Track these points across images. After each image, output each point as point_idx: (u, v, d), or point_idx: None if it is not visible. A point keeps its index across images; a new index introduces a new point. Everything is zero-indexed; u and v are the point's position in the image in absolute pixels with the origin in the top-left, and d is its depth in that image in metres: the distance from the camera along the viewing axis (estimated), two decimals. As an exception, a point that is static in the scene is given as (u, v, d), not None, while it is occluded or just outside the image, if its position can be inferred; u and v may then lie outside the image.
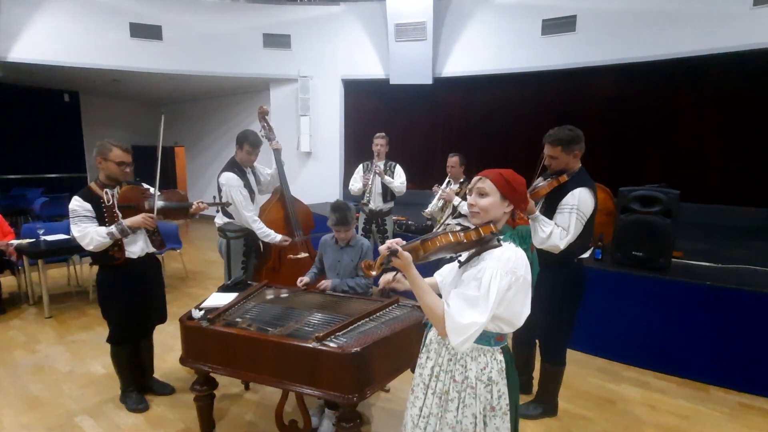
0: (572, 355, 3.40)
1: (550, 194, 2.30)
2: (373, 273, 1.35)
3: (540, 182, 2.39)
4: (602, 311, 3.35)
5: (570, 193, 2.20)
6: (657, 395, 2.89)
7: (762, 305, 2.80)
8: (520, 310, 1.31)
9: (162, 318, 2.84)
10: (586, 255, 2.41)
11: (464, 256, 1.43)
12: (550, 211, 2.27)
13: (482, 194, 1.35)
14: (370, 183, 4.12)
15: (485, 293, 1.23)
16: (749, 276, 3.14)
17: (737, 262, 3.46)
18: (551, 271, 2.34)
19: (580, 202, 2.18)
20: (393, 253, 1.28)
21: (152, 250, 2.63)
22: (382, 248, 1.31)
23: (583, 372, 3.19)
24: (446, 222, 3.91)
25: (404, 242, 1.32)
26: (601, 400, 2.82)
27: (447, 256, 1.48)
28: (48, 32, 6.29)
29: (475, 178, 1.39)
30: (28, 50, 6.25)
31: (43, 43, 6.29)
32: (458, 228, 1.34)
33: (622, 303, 3.27)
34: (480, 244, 1.33)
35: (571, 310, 2.43)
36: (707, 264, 3.42)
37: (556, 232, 2.18)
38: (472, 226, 1.34)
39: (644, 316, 3.19)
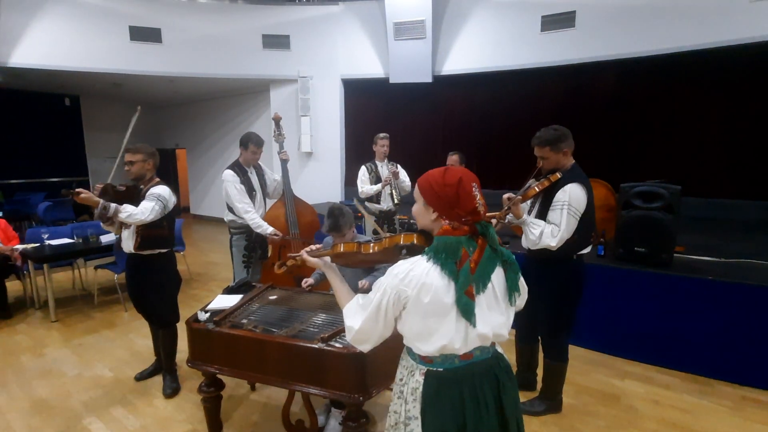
0: (576, 351, 3.42)
1: (545, 194, 2.34)
2: (279, 272, 1.64)
3: (531, 183, 2.41)
4: (605, 307, 3.37)
5: (561, 190, 2.23)
6: (661, 390, 2.90)
7: (765, 299, 2.81)
8: (422, 334, 1.17)
9: (156, 323, 2.97)
10: (586, 251, 2.42)
11: None
12: (545, 211, 2.31)
13: (415, 200, 1.27)
14: (391, 187, 4.14)
15: (367, 303, 1.23)
16: (751, 270, 3.14)
17: (739, 256, 3.47)
18: (550, 268, 2.36)
19: (571, 197, 2.20)
20: (285, 261, 1.57)
21: (131, 249, 2.75)
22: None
23: (587, 368, 3.20)
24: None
25: (318, 247, 1.49)
26: (604, 396, 2.84)
27: (382, 263, 1.53)
28: (48, 37, 6.31)
29: None
30: (28, 55, 6.26)
31: (43, 48, 6.31)
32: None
33: (625, 299, 3.28)
34: (390, 255, 1.28)
35: (571, 306, 2.45)
36: (709, 259, 3.42)
37: (547, 231, 2.22)
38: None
39: (647, 311, 3.20)
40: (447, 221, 1.17)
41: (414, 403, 1.21)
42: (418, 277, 1.13)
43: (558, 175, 2.30)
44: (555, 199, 2.25)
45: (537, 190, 2.33)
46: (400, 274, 1.15)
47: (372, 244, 1.31)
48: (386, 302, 1.17)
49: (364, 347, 1.28)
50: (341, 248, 1.37)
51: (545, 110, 6.49)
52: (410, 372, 1.25)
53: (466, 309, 1.12)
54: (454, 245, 1.14)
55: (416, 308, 1.14)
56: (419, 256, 1.17)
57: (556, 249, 2.23)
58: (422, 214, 1.23)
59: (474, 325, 1.14)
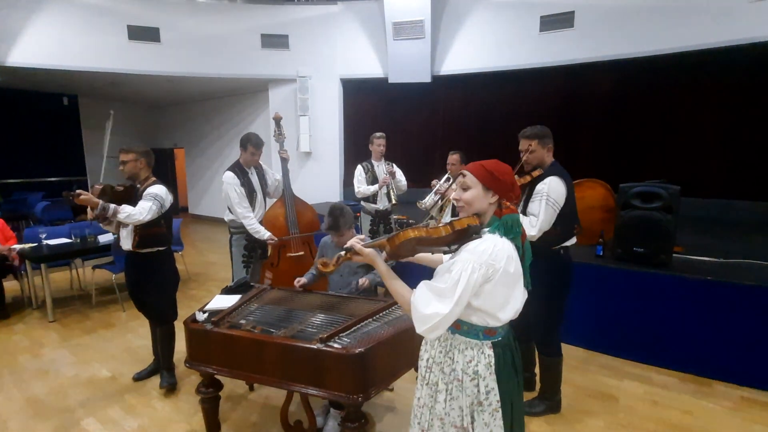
0: (574, 352, 3.42)
1: (528, 189, 2.42)
2: (329, 270, 1.52)
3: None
4: (604, 307, 3.37)
5: (541, 182, 2.33)
6: (659, 390, 2.90)
7: (763, 299, 2.81)
8: (503, 303, 1.32)
9: (154, 320, 2.99)
10: (571, 242, 2.49)
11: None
12: (527, 205, 2.40)
13: (465, 187, 1.37)
14: (389, 187, 4.13)
15: (452, 285, 1.25)
16: (750, 270, 3.14)
17: (738, 256, 3.47)
18: (539, 262, 2.36)
19: (550, 189, 2.29)
20: (348, 249, 1.45)
21: (129, 247, 2.77)
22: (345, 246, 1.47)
23: (586, 368, 3.20)
24: (444, 220, 3.90)
25: (367, 239, 1.45)
26: (603, 396, 2.84)
27: (432, 251, 1.55)
28: (46, 36, 6.29)
29: (459, 173, 1.43)
30: (27, 54, 6.24)
31: (42, 47, 6.28)
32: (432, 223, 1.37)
33: (624, 299, 3.28)
34: (458, 237, 1.33)
35: (560, 299, 2.50)
36: (708, 259, 3.42)
37: (526, 221, 2.31)
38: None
39: (646, 311, 3.20)
40: (509, 203, 1.35)
41: (491, 376, 1.34)
42: (503, 250, 1.27)
43: (540, 171, 2.40)
44: (535, 190, 2.34)
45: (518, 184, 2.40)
46: (487, 250, 1.26)
47: (444, 227, 1.32)
48: (475, 279, 1.25)
49: (437, 334, 1.31)
50: (416, 233, 1.33)
51: (544, 110, 6.49)
52: (479, 350, 1.35)
53: (526, 275, 1.36)
54: (519, 222, 1.34)
55: (504, 279, 1.28)
56: (489, 234, 1.31)
57: (536, 239, 2.30)
58: (481, 198, 1.35)
59: (528, 288, 1.37)
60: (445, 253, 1.52)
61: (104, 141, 2.76)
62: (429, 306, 1.27)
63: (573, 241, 2.50)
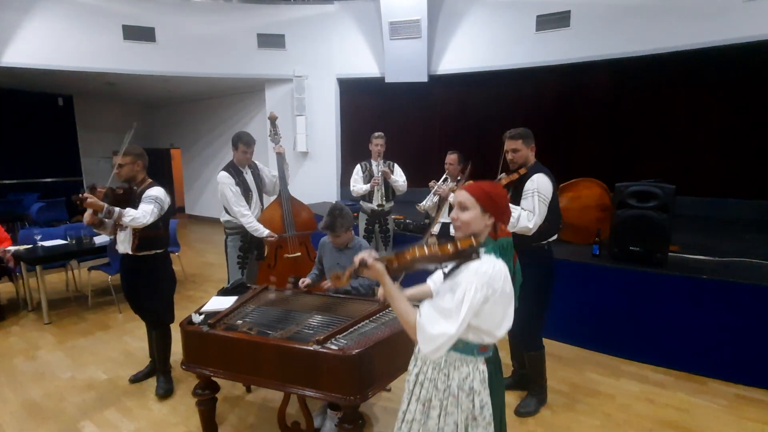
0: (570, 351, 3.44)
1: (516, 186, 2.53)
2: (342, 284, 1.50)
3: (501, 177, 2.62)
4: (600, 306, 3.38)
5: (529, 180, 2.45)
6: (655, 389, 2.91)
7: (758, 298, 2.83)
8: (500, 322, 1.34)
9: (151, 323, 2.97)
10: (554, 238, 2.59)
11: (449, 267, 1.44)
12: (515, 202, 2.50)
13: (463, 208, 1.38)
14: (380, 184, 4.13)
15: (457, 306, 1.26)
16: (745, 269, 3.16)
17: (733, 255, 3.49)
18: (525, 257, 2.38)
19: (539, 185, 2.41)
20: (362, 264, 1.41)
21: (128, 251, 2.75)
22: (355, 259, 1.43)
23: (582, 367, 3.21)
24: (441, 219, 3.90)
25: (376, 254, 1.42)
26: (600, 395, 2.85)
27: (429, 267, 1.53)
28: (41, 36, 6.25)
29: (457, 193, 1.43)
30: (21, 54, 6.20)
31: (36, 47, 6.24)
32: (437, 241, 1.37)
33: (620, 298, 3.30)
34: (459, 256, 1.33)
35: (547, 293, 2.57)
36: (704, 258, 3.44)
37: (524, 215, 2.41)
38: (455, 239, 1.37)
39: (642, 310, 3.22)
40: (503, 225, 1.40)
41: (486, 391, 1.37)
42: (500, 271, 1.31)
43: (525, 169, 2.52)
44: (525, 188, 2.45)
45: (506, 181, 2.53)
46: (488, 271, 1.28)
47: (450, 246, 1.32)
48: (478, 300, 1.26)
49: (441, 353, 1.30)
50: (423, 251, 1.34)
51: (540, 110, 6.50)
52: (474, 366, 1.38)
53: (516, 294, 1.39)
54: (512, 245, 1.41)
55: (502, 299, 1.31)
56: (486, 255, 1.32)
57: (532, 233, 2.40)
58: (479, 219, 1.37)
59: (516, 306, 1.39)
60: (436, 269, 1.55)
61: (121, 148, 2.75)
62: (436, 326, 1.27)
63: (555, 236, 2.60)
